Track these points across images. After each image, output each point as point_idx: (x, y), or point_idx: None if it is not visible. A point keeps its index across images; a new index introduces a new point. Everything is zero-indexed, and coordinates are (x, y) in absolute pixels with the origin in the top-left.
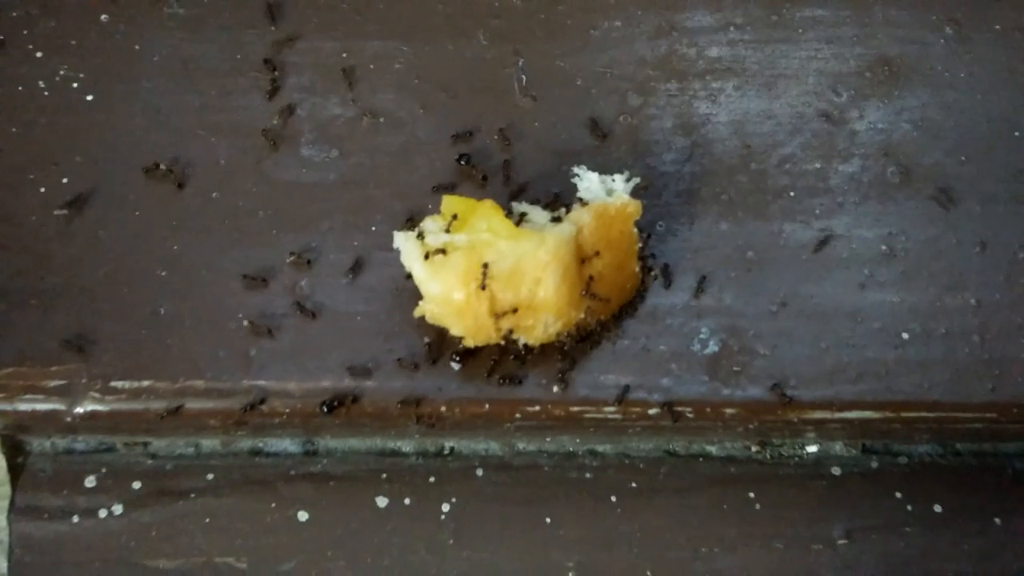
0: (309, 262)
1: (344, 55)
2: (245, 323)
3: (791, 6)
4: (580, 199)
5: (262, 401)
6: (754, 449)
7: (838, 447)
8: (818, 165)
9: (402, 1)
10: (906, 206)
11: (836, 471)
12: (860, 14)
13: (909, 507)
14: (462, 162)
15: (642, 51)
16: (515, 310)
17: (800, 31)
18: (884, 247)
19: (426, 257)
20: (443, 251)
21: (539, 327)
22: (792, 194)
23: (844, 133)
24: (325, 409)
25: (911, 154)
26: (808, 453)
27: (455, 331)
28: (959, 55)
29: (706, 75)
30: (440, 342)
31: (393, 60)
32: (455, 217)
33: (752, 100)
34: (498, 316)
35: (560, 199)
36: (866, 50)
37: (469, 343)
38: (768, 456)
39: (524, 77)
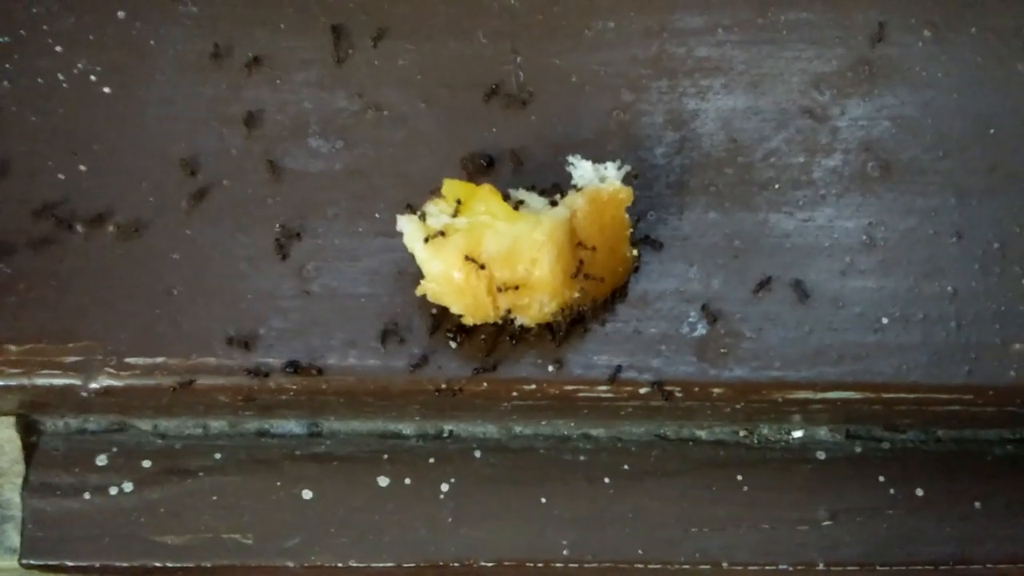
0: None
1: (350, 52)
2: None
3: (776, 9)
4: (574, 186)
5: (266, 375)
6: (742, 434)
7: (823, 432)
8: (801, 159)
9: (406, 2)
10: (885, 198)
11: (821, 455)
12: (842, 17)
13: (892, 491)
14: (483, 163)
15: (634, 50)
16: (516, 287)
17: (785, 32)
18: (864, 237)
19: (427, 239)
20: (443, 233)
21: (535, 306)
22: (777, 186)
23: (826, 129)
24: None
25: (890, 149)
26: (794, 438)
27: (455, 309)
28: (936, 56)
29: (695, 73)
30: (440, 320)
31: (397, 57)
32: (459, 201)
33: (739, 97)
34: (500, 292)
35: (556, 187)
36: (848, 51)
37: (468, 321)
38: (755, 441)
39: (521, 74)
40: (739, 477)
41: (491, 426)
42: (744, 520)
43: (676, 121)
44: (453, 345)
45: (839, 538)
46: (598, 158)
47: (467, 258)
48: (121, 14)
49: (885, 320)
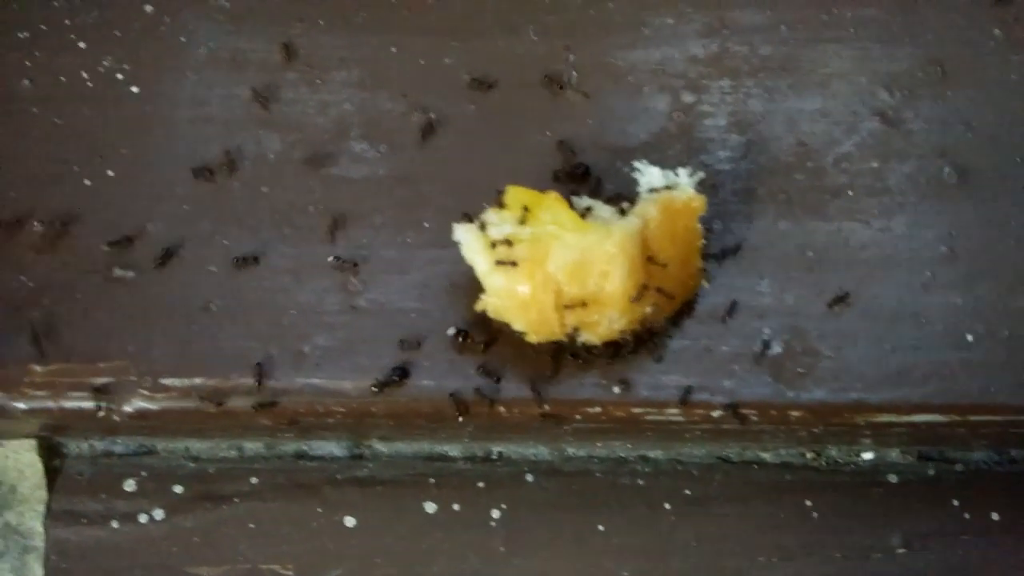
0: (356, 264)
1: (393, 50)
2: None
3: (841, 5)
4: (638, 193)
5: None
6: (809, 456)
7: (894, 454)
8: (875, 164)
9: None
10: (964, 207)
11: (893, 478)
12: (910, 14)
13: (966, 515)
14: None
15: (694, 48)
16: (584, 304)
17: (851, 30)
18: (944, 248)
19: (493, 246)
20: (508, 243)
21: (603, 323)
22: (850, 193)
23: (899, 133)
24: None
25: (966, 155)
26: (864, 460)
27: (517, 326)
28: (1008, 58)
29: (759, 73)
30: (498, 337)
31: (443, 55)
32: (526, 209)
33: (806, 98)
34: (568, 309)
35: (622, 195)
36: (916, 50)
37: (531, 338)
38: (824, 463)
39: (575, 73)
40: (808, 502)
41: (543, 448)
42: (815, 549)
43: (741, 123)
44: (511, 364)
45: (914, 567)
46: (658, 163)
47: (534, 271)
48: (149, 8)
49: (970, 337)
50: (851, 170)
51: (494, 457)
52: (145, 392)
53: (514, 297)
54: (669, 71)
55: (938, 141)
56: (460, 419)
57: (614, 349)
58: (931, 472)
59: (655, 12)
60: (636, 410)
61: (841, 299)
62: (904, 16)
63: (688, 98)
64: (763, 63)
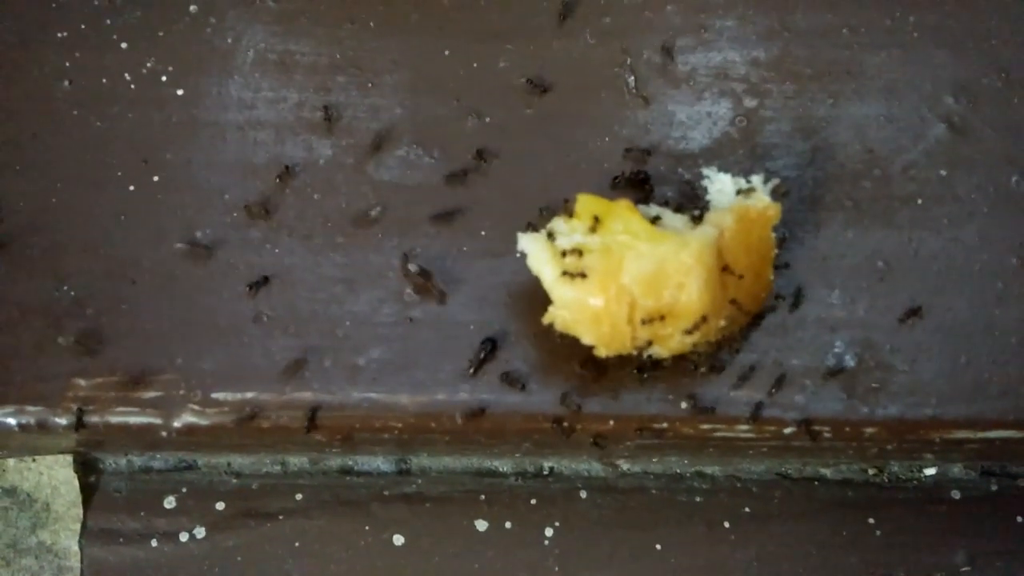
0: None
1: (446, 52)
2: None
3: (904, 9)
4: (708, 201)
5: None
6: (871, 472)
7: (956, 469)
8: (943, 172)
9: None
10: None
11: (956, 494)
12: (973, 20)
13: None
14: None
15: (755, 52)
16: (662, 317)
17: (915, 35)
18: (1015, 259)
19: (563, 256)
20: (579, 252)
21: (676, 337)
22: (919, 202)
23: (967, 140)
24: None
25: None
26: (926, 476)
27: (587, 339)
28: None
29: (823, 77)
30: (566, 350)
31: (497, 59)
32: (597, 219)
33: (872, 104)
34: (643, 323)
35: (692, 203)
36: (981, 56)
37: (601, 353)
38: (886, 479)
39: (633, 77)
40: (871, 520)
41: (596, 463)
42: (879, 567)
43: (805, 129)
44: (579, 379)
45: None
46: (720, 169)
47: (607, 282)
48: (194, 8)
49: None
50: (919, 178)
51: (546, 473)
52: (195, 407)
53: (585, 310)
54: (730, 75)
55: (1006, 149)
56: (566, 437)
57: (683, 363)
58: (994, 487)
59: (714, 14)
60: (705, 427)
61: (914, 312)
62: (967, 22)
63: (750, 103)
64: (827, 67)
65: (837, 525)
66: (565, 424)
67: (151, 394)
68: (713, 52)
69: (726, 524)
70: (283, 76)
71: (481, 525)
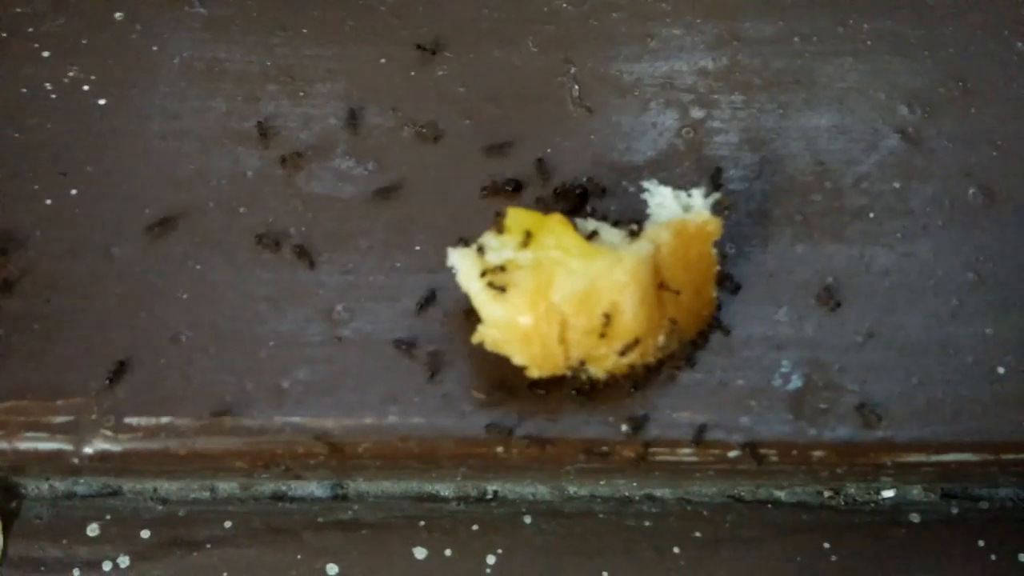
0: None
1: (383, 61)
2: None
3: (858, 16)
4: (649, 216)
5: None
6: (827, 495)
7: (915, 492)
8: (897, 185)
9: (445, 6)
10: (991, 230)
11: (915, 518)
12: (928, 27)
13: (993, 556)
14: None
15: (703, 61)
16: (602, 334)
17: (868, 43)
18: (971, 274)
19: (484, 275)
20: (502, 268)
21: (612, 356)
22: (872, 215)
23: (921, 151)
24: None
25: (992, 175)
26: (884, 499)
27: (518, 359)
28: None
29: (773, 87)
30: (496, 371)
31: (436, 67)
32: (529, 234)
33: (822, 114)
34: (575, 343)
35: (636, 217)
36: (937, 64)
37: (534, 373)
38: (842, 502)
39: (577, 87)
40: (826, 544)
41: (541, 487)
42: None
43: (754, 140)
44: (516, 400)
45: None
46: (667, 182)
47: (536, 300)
48: (119, 15)
49: (1001, 370)
50: (871, 191)
51: (489, 497)
52: (108, 432)
53: (515, 329)
54: (677, 85)
55: (962, 160)
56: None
57: (622, 383)
58: (955, 511)
59: (662, 23)
60: (646, 450)
61: (869, 335)
62: (923, 29)
63: (697, 113)
64: (776, 77)
65: (791, 550)
66: (499, 449)
67: (61, 419)
68: (659, 61)
69: (676, 549)
70: (210, 85)
71: (420, 553)
